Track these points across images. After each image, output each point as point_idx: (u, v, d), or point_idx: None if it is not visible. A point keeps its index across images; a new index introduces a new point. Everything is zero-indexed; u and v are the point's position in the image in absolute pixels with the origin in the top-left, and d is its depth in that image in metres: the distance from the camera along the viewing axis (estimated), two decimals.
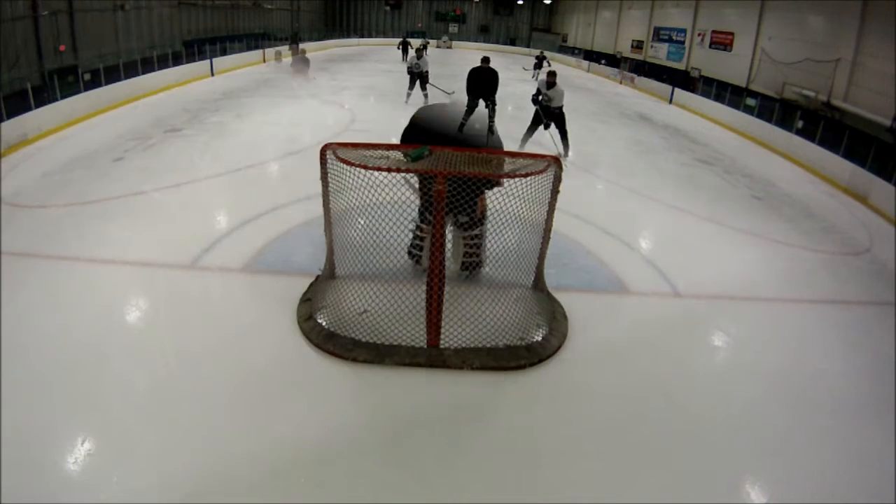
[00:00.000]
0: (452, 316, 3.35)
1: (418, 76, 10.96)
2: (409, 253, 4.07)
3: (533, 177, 3.27)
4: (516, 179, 3.27)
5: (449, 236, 3.90)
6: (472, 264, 4.03)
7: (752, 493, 2.55)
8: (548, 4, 35.53)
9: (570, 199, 4.47)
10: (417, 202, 3.86)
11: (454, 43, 32.37)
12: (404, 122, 4.03)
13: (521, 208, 3.44)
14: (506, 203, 3.50)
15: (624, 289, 4.32)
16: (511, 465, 2.57)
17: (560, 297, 3.91)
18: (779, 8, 14.34)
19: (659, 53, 21.36)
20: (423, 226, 3.87)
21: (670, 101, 16.37)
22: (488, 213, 3.84)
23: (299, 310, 3.61)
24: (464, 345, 3.27)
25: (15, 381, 2.87)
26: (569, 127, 7.94)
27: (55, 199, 5.55)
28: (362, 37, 31.46)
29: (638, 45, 23.34)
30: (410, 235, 3.94)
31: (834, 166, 9.30)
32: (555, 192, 3.45)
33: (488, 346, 3.29)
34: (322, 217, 3.71)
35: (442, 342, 3.26)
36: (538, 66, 19.06)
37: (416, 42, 19.78)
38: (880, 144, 9.22)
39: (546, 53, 21.03)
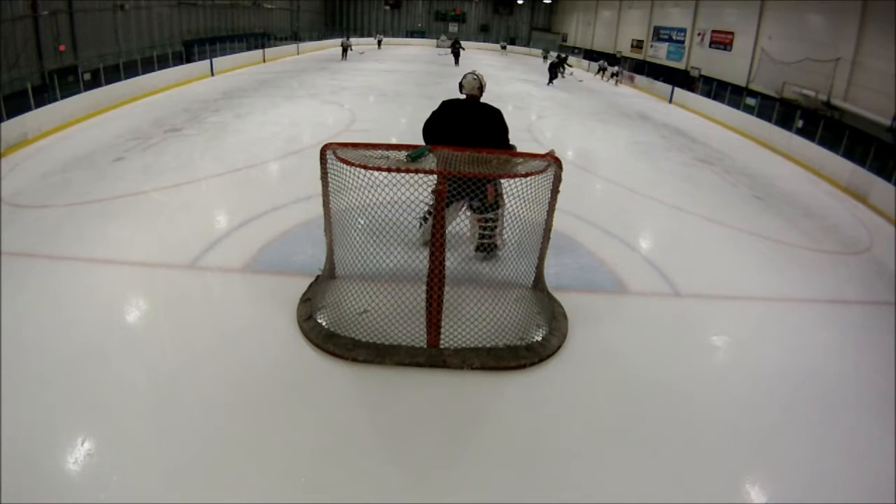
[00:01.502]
0: (452, 316, 3.35)
1: (345, 49, 23.03)
2: (420, 223, 4.15)
3: (533, 177, 3.27)
4: (516, 179, 3.27)
5: (467, 220, 4.19)
6: (486, 246, 4.19)
7: (751, 493, 2.55)
8: (548, 4, 35.57)
9: (571, 199, 4.47)
10: (419, 197, 3.85)
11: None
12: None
13: (521, 208, 3.45)
14: (506, 203, 3.52)
15: (624, 289, 4.32)
16: (511, 464, 2.57)
17: (560, 297, 3.92)
18: (779, 7, 14.35)
19: (659, 53, 21.37)
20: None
21: (670, 101, 16.37)
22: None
23: (299, 310, 3.61)
24: (464, 345, 3.27)
25: (15, 381, 2.87)
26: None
27: (55, 199, 5.56)
28: (361, 36, 31.44)
29: (638, 45, 23.35)
30: (425, 207, 4.02)
31: (834, 166, 9.30)
32: (555, 192, 3.45)
33: (488, 345, 3.29)
34: (322, 217, 3.72)
35: (442, 342, 3.26)
36: (558, 67, 18.79)
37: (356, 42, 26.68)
38: (880, 144, 9.23)
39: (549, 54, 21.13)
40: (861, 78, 11.36)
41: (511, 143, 4.22)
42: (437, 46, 30.96)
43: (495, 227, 4.11)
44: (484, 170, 3.30)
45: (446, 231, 3.87)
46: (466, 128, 3.89)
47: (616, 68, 21.21)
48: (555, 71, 18.30)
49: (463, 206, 4.04)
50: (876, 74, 10.86)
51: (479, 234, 4.17)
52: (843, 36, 11.80)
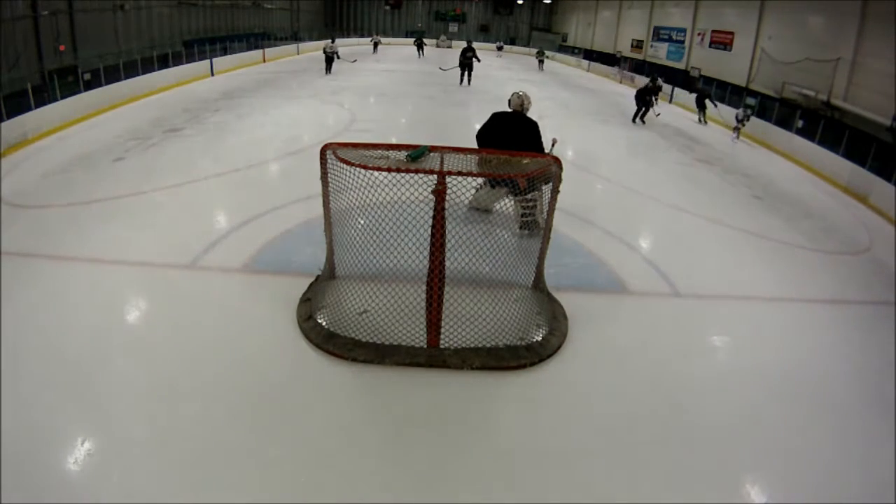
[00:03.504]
0: (452, 316, 3.35)
1: (330, 57, 16.75)
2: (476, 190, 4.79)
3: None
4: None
5: (510, 201, 4.79)
6: (528, 223, 4.67)
7: (752, 494, 2.55)
8: (548, 4, 35.55)
9: (570, 199, 4.47)
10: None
11: (454, 42, 32.27)
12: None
13: None
14: (506, 202, 3.52)
15: (624, 289, 4.32)
16: (511, 464, 2.57)
17: (560, 297, 3.92)
18: (779, 7, 14.34)
19: (659, 53, 21.37)
20: (488, 187, 4.83)
21: (670, 101, 16.36)
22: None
23: (299, 310, 3.61)
24: (464, 345, 3.27)
25: (15, 381, 2.87)
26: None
27: (56, 199, 5.55)
28: (361, 36, 31.40)
29: (638, 45, 23.35)
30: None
31: (834, 166, 9.30)
32: (555, 192, 3.45)
33: (488, 346, 3.29)
34: (322, 217, 3.72)
35: (442, 342, 3.26)
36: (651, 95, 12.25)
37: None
38: (880, 144, 9.22)
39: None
40: (861, 78, 11.35)
41: (547, 150, 5.07)
42: (437, 46, 30.84)
43: (535, 206, 4.61)
44: (485, 170, 3.31)
45: (493, 207, 4.73)
46: (511, 134, 4.87)
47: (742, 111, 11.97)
48: (646, 100, 11.94)
49: (504, 191, 4.72)
50: (876, 74, 10.84)
51: (521, 213, 4.75)
52: (842, 36, 11.79)
